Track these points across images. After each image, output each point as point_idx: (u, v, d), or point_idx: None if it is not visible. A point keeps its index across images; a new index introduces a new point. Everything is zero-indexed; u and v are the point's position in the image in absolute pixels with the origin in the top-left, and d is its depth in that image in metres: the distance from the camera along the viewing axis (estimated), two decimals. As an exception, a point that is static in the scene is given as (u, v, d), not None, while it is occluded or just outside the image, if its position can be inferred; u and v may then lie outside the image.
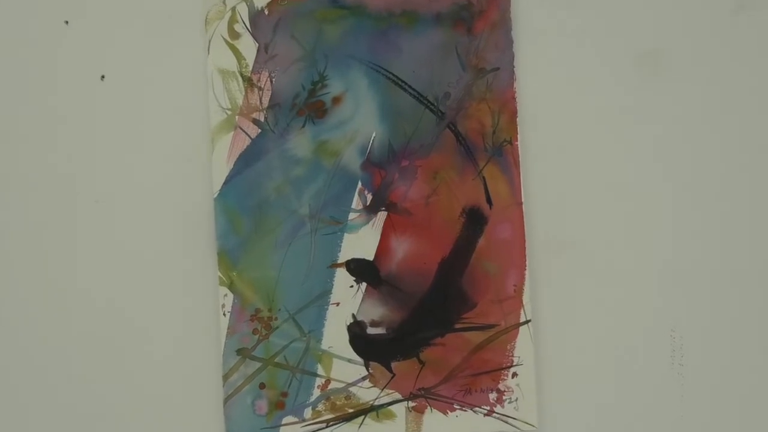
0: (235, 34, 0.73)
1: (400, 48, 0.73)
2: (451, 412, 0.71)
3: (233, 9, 0.73)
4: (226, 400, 0.71)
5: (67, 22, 0.74)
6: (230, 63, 0.72)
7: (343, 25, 0.73)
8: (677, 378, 0.72)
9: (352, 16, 0.73)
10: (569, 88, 0.74)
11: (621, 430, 0.72)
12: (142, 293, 0.72)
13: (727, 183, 0.73)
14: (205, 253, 0.72)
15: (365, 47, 0.72)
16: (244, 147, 0.72)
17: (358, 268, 0.72)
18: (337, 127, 0.72)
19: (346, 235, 0.72)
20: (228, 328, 0.71)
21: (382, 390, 0.71)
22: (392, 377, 0.71)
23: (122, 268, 0.72)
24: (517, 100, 0.73)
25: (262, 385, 0.71)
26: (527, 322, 0.71)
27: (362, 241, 0.72)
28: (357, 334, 0.71)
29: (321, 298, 0.71)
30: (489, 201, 0.72)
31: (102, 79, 0.73)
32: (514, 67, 0.73)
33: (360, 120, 0.72)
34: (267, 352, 0.71)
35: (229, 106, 0.72)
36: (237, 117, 0.72)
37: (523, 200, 0.72)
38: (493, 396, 0.71)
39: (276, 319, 0.71)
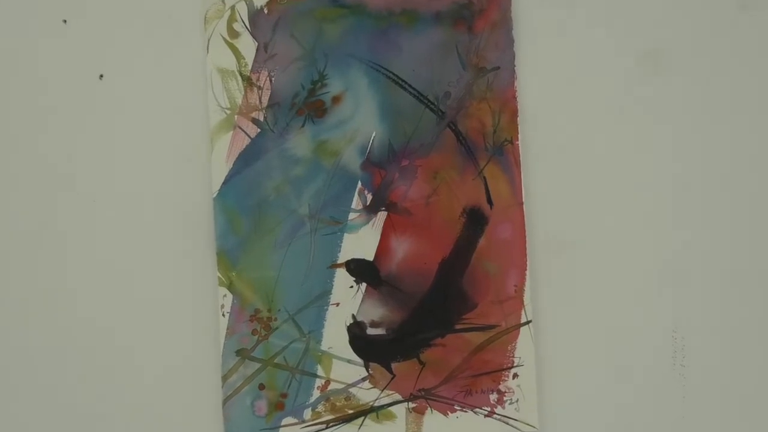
0: (234, 33, 0.73)
1: (400, 47, 0.72)
2: (451, 413, 0.71)
3: (232, 8, 0.73)
4: (225, 401, 0.70)
5: (65, 21, 0.73)
6: (229, 62, 0.72)
7: (343, 24, 0.72)
8: (679, 379, 0.72)
9: (352, 15, 0.72)
10: (570, 87, 0.74)
11: (622, 430, 0.72)
12: (140, 293, 0.72)
13: (729, 182, 0.73)
14: (204, 253, 0.72)
15: (365, 46, 0.72)
16: (244, 146, 0.72)
17: (358, 269, 0.71)
18: (337, 126, 0.72)
19: (346, 235, 0.72)
20: (227, 329, 0.71)
21: (382, 391, 0.71)
22: (392, 378, 0.71)
23: (121, 269, 0.72)
24: (517, 99, 0.72)
25: (261, 386, 0.71)
26: (528, 322, 0.71)
27: (362, 241, 0.71)
28: (357, 334, 0.71)
29: (321, 298, 0.71)
30: (489, 201, 0.72)
31: (101, 79, 0.73)
32: (514, 66, 0.73)
33: (360, 119, 0.72)
34: (266, 353, 0.71)
35: (229, 106, 0.72)
36: (236, 116, 0.72)
37: (523, 200, 0.72)
38: (493, 397, 0.71)
39: (275, 319, 0.71)
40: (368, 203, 0.72)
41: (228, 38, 0.73)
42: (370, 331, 0.71)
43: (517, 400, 0.71)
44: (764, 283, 0.73)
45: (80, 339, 0.72)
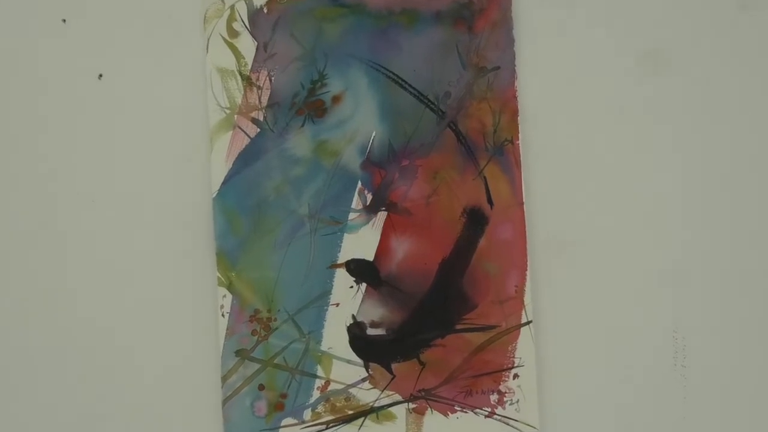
0: (234, 33, 0.72)
1: (400, 47, 0.72)
2: (451, 413, 0.71)
3: (232, 7, 0.72)
4: (224, 402, 0.70)
5: (64, 21, 0.73)
6: (229, 62, 0.72)
7: (343, 24, 0.72)
8: (680, 379, 0.72)
9: (352, 14, 0.72)
10: (571, 87, 0.73)
11: (623, 431, 0.72)
12: (140, 294, 0.72)
13: (730, 182, 0.73)
14: (204, 253, 0.72)
15: (365, 46, 0.72)
16: (243, 146, 0.72)
17: (358, 269, 0.71)
18: (337, 126, 0.72)
19: (345, 235, 0.71)
20: (227, 329, 0.71)
21: (382, 391, 0.71)
22: (392, 378, 0.71)
23: (119, 269, 0.72)
24: (518, 99, 0.72)
25: (261, 387, 0.71)
26: (528, 323, 0.71)
27: (362, 242, 0.71)
28: (357, 335, 0.71)
29: (320, 298, 0.71)
30: (490, 201, 0.72)
31: (100, 78, 0.73)
32: (515, 66, 0.73)
33: (360, 119, 0.72)
34: (266, 353, 0.71)
35: (228, 105, 0.72)
36: (236, 116, 0.72)
37: (524, 200, 0.72)
38: (494, 397, 0.71)
39: (275, 320, 0.71)
40: (368, 203, 0.72)
41: (227, 38, 0.72)
42: (370, 331, 0.71)
43: (517, 401, 0.71)
44: (765, 283, 0.73)
45: (80, 339, 0.71)
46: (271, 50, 0.72)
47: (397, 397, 0.71)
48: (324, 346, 0.71)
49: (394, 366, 0.71)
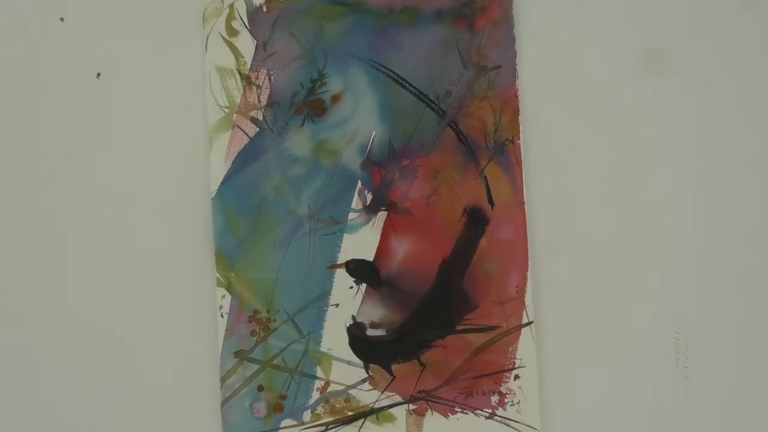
0: (233, 32, 0.72)
1: (400, 45, 0.72)
2: (452, 414, 0.71)
3: (231, 6, 0.72)
4: (223, 403, 0.70)
5: (62, 19, 0.73)
6: (228, 61, 0.72)
7: (343, 22, 0.72)
8: (682, 380, 0.72)
9: (352, 12, 0.72)
10: (572, 86, 0.73)
11: (624, 433, 0.72)
12: (138, 294, 0.72)
13: (732, 182, 0.73)
14: (203, 253, 0.71)
15: (365, 44, 0.72)
16: (242, 146, 0.71)
17: (358, 269, 0.71)
18: (337, 125, 0.72)
19: (345, 235, 0.71)
20: (226, 330, 0.70)
21: (383, 392, 0.71)
22: (392, 380, 0.71)
23: (118, 269, 0.72)
24: (519, 98, 0.72)
25: (260, 388, 0.70)
26: (529, 323, 0.71)
27: (362, 242, 0.71)
28: (357, 335, 0.71)
29: (320, 299, 0.71)
30: (491, 201, 0.71)
31: (98, 77, 0.73)
32: (516, 64, 0.72)
33: (360, 118, 0.72)
34: (265, 354, 0.70)
35: (227, 105, 0.72)
36: (235, 115, 0.72)
37: (525, 200, 0.71)
38: (494, 399, 0.71)
39: (274, 320, 0.71)
40: (368, 203, 0.72)
41: (226, 36, 0.72)
42: (370, 332, 0.71)
43: (518, 402, 0.70)
44: (766, 283, 0.73)
45: (79, 339, 0.71)
46: (271, 49, 0.72)
47: (398, 399, 0.71)
48: (324, 347, 0.71)
49: (394, 367, 0.71)
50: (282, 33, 0.72)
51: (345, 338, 0.71)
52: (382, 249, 0.71)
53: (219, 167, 0.71)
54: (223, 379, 0.70)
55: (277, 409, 0.70)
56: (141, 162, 0.72)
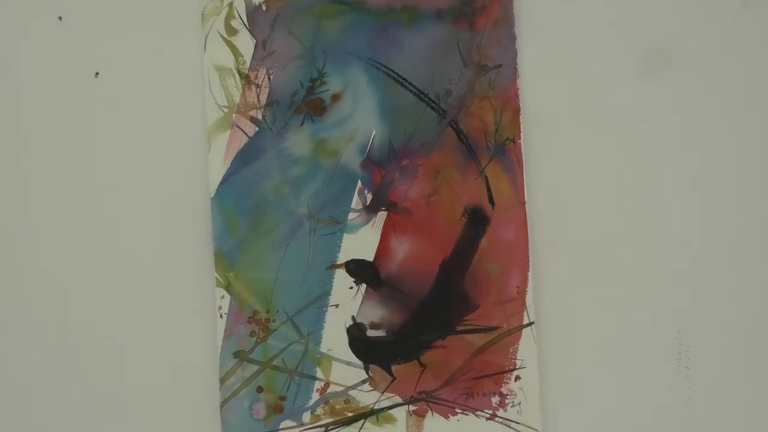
0: (232, 30, 0.72)
1: (400, 44, 0.72)
2: (452, 416, 0.70)
3: (230, 5, 0.72)
4: (223, 404, 0.70)
5: (60, 18, 0.73)
6: (227, 60, 0.72)
7: (343, 21, 0.72)
8: (683, 381, 0.72)
9: (352, 11, 0.72)
10: (573, 85, 0.73)
11: (626, 434, 0.72)
12: (137, 295, 0.71)
13: (733, 182, 0.73)
14: (202, 253, 0.71)
15: (365, 44, 0.72)
16: (242, 145, 0.71)
17: (358, 269, 0.71)
18: (337, 125, 0.72)
19: (345, 235, 0.71)
20: (225, 331, 0.70)
21: (383, 393, 0.70)
22: (392, 380, 0.70)
23: (117, 269, 0.72)
24: (519, 97, 0.72)
25: (259, 389, 0.70)
26: (530, 324, 0.71)
27: (362, 242, 0.71)
28: (357, 336, 0.71)
29: (320, 299, 0.71)
30: (491, 200, 0.71)
31: (96, 76, 0.73)
32: (516, 64, 0.72)
33: (360, 118, 0.72)
34: (265, 355, 0.70)
35: (226, 104, 0.72)
36: (234, 115, 0.71)
37: (526, 200, 0.71)
38: (495, 400, 0.70)
39: (274, 321, 0.70)
40: (368, 203, 0.71)
41: (226, 35, 0.72)
42: (370, 332, 0.71)
43: (519, 403, 0.70)
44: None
45: (78, 340, 0.71)
46: (270, 48, 0.72)
47: (398, 399, 0.70)
48: (323, 348, 0.70)
49: (394, 368, 0.71)
50: (281, 32, 0.72)
51: (345, 339, 0.71)
52: (382, 249, 0.71)
53: (218, 167, 0.71)
54: (222, 380, 0.70)
55: (276, 410, 0.70)
56: (140, 162, 0.72)
